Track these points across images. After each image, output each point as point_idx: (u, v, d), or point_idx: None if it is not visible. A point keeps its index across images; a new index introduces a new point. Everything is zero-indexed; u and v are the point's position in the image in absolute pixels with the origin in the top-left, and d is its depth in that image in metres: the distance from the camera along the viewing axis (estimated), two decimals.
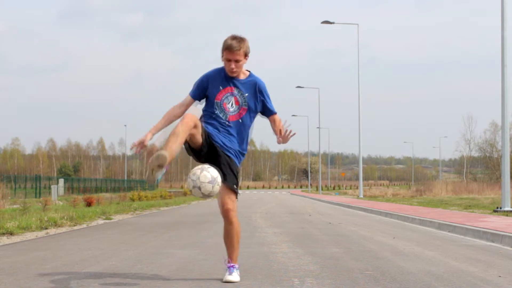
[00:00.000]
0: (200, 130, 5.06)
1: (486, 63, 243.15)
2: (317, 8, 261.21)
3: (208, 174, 4.87)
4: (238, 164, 5.32)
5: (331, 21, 36.61)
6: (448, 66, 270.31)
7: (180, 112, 5.29)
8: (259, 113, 5.43)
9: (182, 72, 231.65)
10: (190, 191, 4.94)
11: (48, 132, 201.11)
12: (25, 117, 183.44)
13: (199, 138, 5.08)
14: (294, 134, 5.29)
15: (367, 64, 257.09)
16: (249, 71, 5.37)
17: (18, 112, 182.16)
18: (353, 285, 5.10)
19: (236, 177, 5.27)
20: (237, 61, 5.16)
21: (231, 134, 5.27)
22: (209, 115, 5.29)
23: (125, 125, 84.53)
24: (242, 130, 5.30)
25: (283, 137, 5.27)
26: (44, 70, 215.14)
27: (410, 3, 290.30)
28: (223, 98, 5.26)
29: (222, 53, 5.19)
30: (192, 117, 5.01)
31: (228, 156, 5.24)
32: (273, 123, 5.42)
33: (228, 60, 5.16)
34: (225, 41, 5.16)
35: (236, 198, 5.25)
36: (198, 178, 4.86)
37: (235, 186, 5.21)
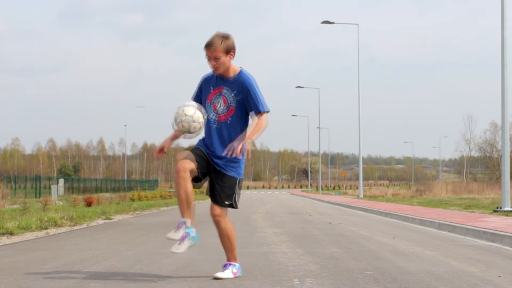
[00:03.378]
0: (194, 164, 5.18)
1: (486, 63, 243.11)
2: (317, 8, 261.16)
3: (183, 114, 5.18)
4: (233, 172, 5.28)
5: (331, 21, 36.61)
6: (448, 66, 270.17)
7: None
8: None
9: (182, 72, 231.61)
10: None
11: (48, 132, 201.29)
12: (25, 117, 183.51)
13: (196, 170, 5.22)
14: (235, 157, 5.17)
15: (367, 64, 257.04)
16: (240, 68, 5.33)
17: (18, 112, 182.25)
18: (353, 285, 5.10)
19: (229, 189, 5.26)
20: (216, 58, 5.15)
21: (222, 137, 5.24)
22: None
23: (125, 125, 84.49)
24: (232, 130, 5.25)
25: (228, 150, 5.16)
26: (44, 70, 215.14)
27: (410, 3, 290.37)
28: (213, 99, 5.30)
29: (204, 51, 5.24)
30: (183, 165, 5.13)
31: (219, 172, 5.27)
32: (253, 121, 5.30)
33: (208, 58, 5.19)
34: (208, 39, 5.21)
35: (232, 206, 5.32)
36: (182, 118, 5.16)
37: (225, 202, 5.27)
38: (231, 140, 5.24)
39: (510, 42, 17.73)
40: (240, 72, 5.29)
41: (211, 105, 5.29)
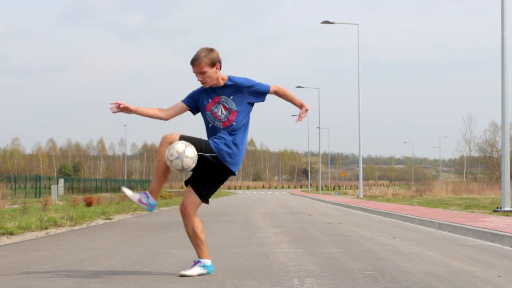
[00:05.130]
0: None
1: (486, 63, 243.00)
2: (317, 8, 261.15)
3: (174, 151, 5.17)
4: (222, 163, 5.37)
5: (331, 21, 36.51)
6: (448, 66, 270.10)
7: (164, 115, 5.56)
8: (259, 102, 5.56)
9: (182, 72, 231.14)
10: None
11: (48, 132, 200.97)
12: (25, 117, 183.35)
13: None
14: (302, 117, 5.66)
15: (367, 64, 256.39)
16: (228, 76, 5.50)
17: (18, 112, 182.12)
18: (353, 285, 5.10)
19: (208, 187, 5.48)
20: (202, 73, 5.35)
21: (230, 140, 5.39)
22: (209, 131, 5.51)
23: (125, 125, 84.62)
24: (235, 131, 5.43)
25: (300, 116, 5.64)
26: (44, 70, 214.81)
27: (410, 4, 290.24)
28: (212, 108, 5.46)
29: None
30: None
31: (212, 163, 5.37)
32: (278, 95, 5.62)
33: (196, 73, 5.40)
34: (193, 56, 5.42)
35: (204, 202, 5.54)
36: (169, 154, 5.22)
37: (203, 197, 5.48)
38: (235, 140, 5.40)
39: (510, 42, 17.73)
40: (230, 78, 5.48)
41: (212, 114, 5.45)
